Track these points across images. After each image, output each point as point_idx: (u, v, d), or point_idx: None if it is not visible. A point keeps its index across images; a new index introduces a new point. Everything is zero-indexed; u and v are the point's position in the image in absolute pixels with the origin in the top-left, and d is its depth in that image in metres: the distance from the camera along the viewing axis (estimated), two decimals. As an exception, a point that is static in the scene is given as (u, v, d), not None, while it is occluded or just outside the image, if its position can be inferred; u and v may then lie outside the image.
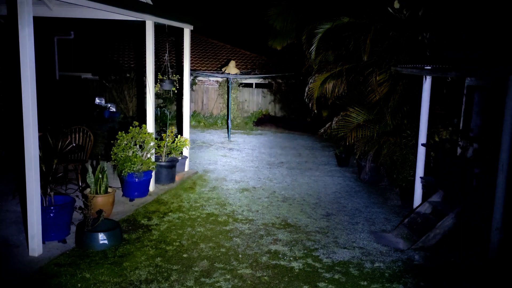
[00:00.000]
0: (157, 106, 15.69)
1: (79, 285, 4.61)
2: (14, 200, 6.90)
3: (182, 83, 9.26)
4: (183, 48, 9.11)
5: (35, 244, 5.16)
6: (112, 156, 7.30)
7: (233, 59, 16.77)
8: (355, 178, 9.49)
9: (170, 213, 6.84)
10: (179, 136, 8.93)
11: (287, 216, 7.01)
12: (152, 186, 7.76)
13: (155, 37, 7.57)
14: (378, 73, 8.15)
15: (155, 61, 7.72)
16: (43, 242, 5.33)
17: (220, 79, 16.71)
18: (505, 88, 5.22)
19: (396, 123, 8.48)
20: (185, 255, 5.41)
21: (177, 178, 8.63)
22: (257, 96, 16.88)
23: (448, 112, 7.62)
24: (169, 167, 8.28)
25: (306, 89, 9.46)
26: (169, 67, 8.76)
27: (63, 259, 5.14)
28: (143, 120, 7.84)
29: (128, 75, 16.24)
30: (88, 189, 6.51)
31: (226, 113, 16.32)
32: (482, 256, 5.56)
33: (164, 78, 8.43)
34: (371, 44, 8.21)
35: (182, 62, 9.31)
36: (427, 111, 7.13)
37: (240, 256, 5.47)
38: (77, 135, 8.02)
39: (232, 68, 15.30)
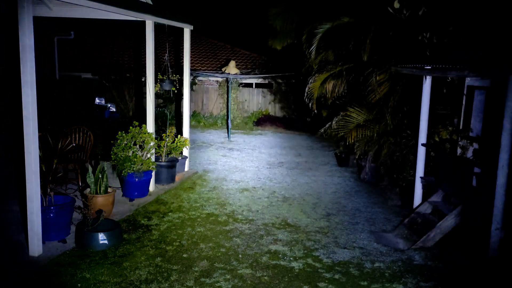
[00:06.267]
0: (157, 106, 15.69)
1: (79, 285, 4.61)
2: (14, 200, 6.90)
3: (182, 83, 9.26)
4: (183, 48, 9.11)
5: (35, 244, 5.15)
6: (112, 156, 7.30)
7: (233, 59, 16.76)
8: (355, 178, 9.49)
9: (170, 213, 6.84)
10: (179, 136, 8.92)
11: (287, 216, 7.01)
12: (152, 186, 7.76)
13: (155, 37, 7.56)
14: (378, 73, 8.16)
15: (155, 61, 7.72)
16: (43, 242, 5.33)
17: (220, 79, 16.71)
18: (505, 88, 5.22)
19: (396, 123, 8.48)
20: (185, 255, 5.41)
21: (177, 178, 8.62)
22: (257, 96, 16.88)
23: (448, 112, 7.62)
24: (169, 167, 8.27)
25: (306, 89, 9.47)
26: (169, 67, 8.76)
27: (63, 259, 5.14)
28: (143, 120, 7.84)
29: (128, 75, 16.23)
30: (88, 189, 6.51)
31: (226, 113, 16.31)
32: (482, 256, 5.56)
33: (164, 78, 8.43)
34: (371, 44, 8.22)
35: (182, 62, 9.31)
36: (427, 111, 7.13)
37: (240, 256, 5.47)
38: (77, 135, 8.02)
39: (232, 68, 15.30)
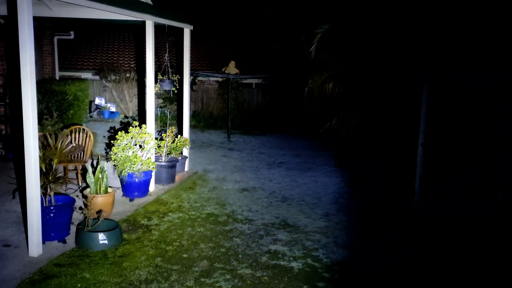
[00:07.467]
0: (157, 106, 15.69)
1: (79, 285, 4.62)
2: (14, 200, 6.91)
3: (182, 83, 9.26)
4: (183, 48, 9.11)
5: (35, 244, 5.15)
6: (112, 156, 7.30)
7: (233, 59, 16.76)
8: (354, 178, 9.49)
9: (170, 213, 6.84)
10: (179, 136, 8.93)
11: (286, 216, 7.02)
12: (152, 186, 7.76)
13: (155, 37, 7.57)
14: (377, 73, 8.16)
15: (155, 61, 7.73)
16: (43, 242, 5.33)
17: (220, 79, 16.71)
18: (505, 88, 5.23)
19: (396, 123, 8.49)
20: (185, 255, 5.41)
21: (177, 178, 8.63)
22: (257, 96, 16.88)
23: (448, 112, 7.62)
24: (169, 167, 8.28)
25: (306, 89, 9.49)
26: (169, 67, 8.76)
27: (63, 259, 5.15)
28: (143, 120, 7.85)
29: (128, 75, 16.24)
30: (88, 189, 6.52)
31: (226, 113, 16.32)
32: (483, 257, 5.56)
33: (164, 78, 8.43)
34: (371, 44, 8.23)
35: (182, 62, 9.31)
36: (427, 111, 7.14)
37: (240, 256, 5.48)
38: (77, 135, 8.03)
39: (232, 68, 15.29)
